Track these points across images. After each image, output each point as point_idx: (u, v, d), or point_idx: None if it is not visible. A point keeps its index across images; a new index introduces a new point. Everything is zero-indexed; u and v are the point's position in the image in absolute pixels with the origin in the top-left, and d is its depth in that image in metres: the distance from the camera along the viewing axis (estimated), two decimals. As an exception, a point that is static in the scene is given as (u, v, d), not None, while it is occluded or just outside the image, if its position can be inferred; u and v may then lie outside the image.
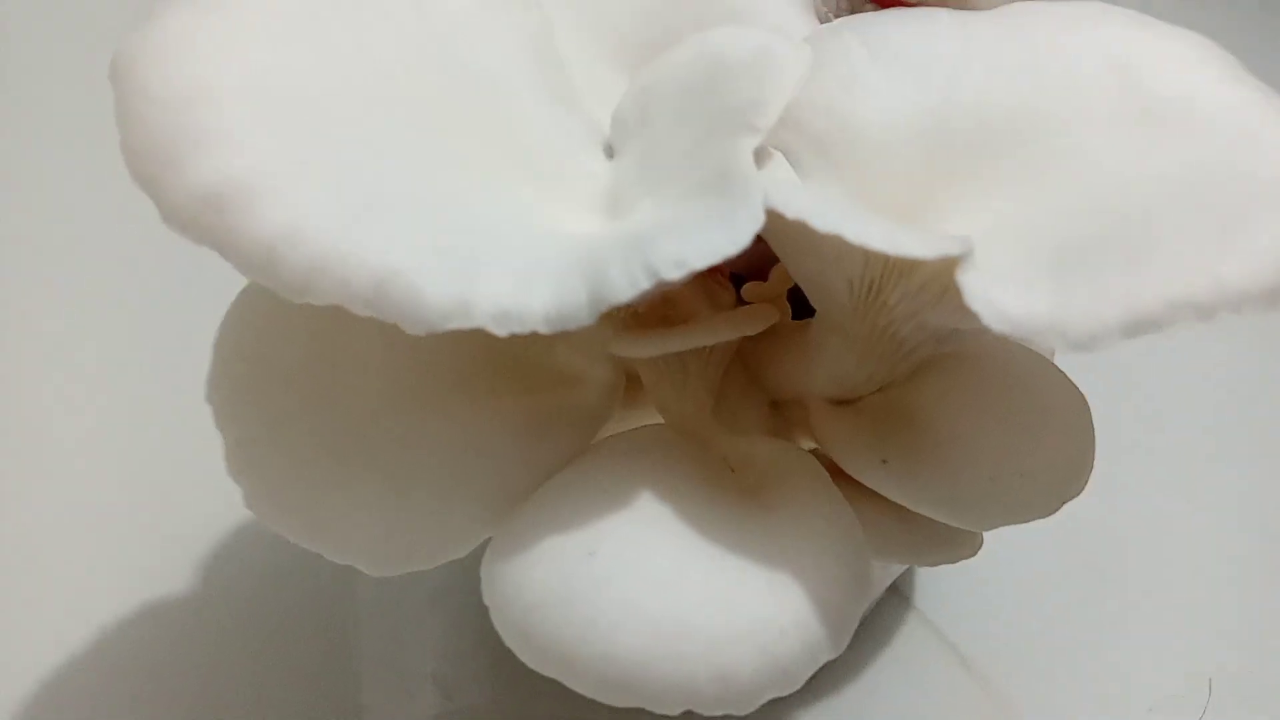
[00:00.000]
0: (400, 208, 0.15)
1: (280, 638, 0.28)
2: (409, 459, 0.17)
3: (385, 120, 0.17)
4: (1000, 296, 0.14)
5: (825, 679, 0.28)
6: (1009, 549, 0.28)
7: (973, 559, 0.20)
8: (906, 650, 0.30)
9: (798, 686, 0.15)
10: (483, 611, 0.16)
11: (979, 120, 0.18)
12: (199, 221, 0.14)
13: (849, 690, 0.29)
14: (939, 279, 0.15)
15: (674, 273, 0.14)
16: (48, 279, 0.34)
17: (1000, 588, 0.31)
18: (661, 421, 0.20)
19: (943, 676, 0.30)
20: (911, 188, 0.19)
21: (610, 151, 0.20)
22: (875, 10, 0.21)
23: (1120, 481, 0.32)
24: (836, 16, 0.22)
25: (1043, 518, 0.18)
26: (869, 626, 0.30)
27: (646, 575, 0.15)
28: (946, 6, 0.21)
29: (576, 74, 0.21)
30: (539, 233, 0.16)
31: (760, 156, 0.18)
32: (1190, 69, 0.18)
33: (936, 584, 0.31)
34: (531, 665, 0.15)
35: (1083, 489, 0.18)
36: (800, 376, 0.20)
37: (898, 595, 0.30)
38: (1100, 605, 0.31)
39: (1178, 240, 0.14)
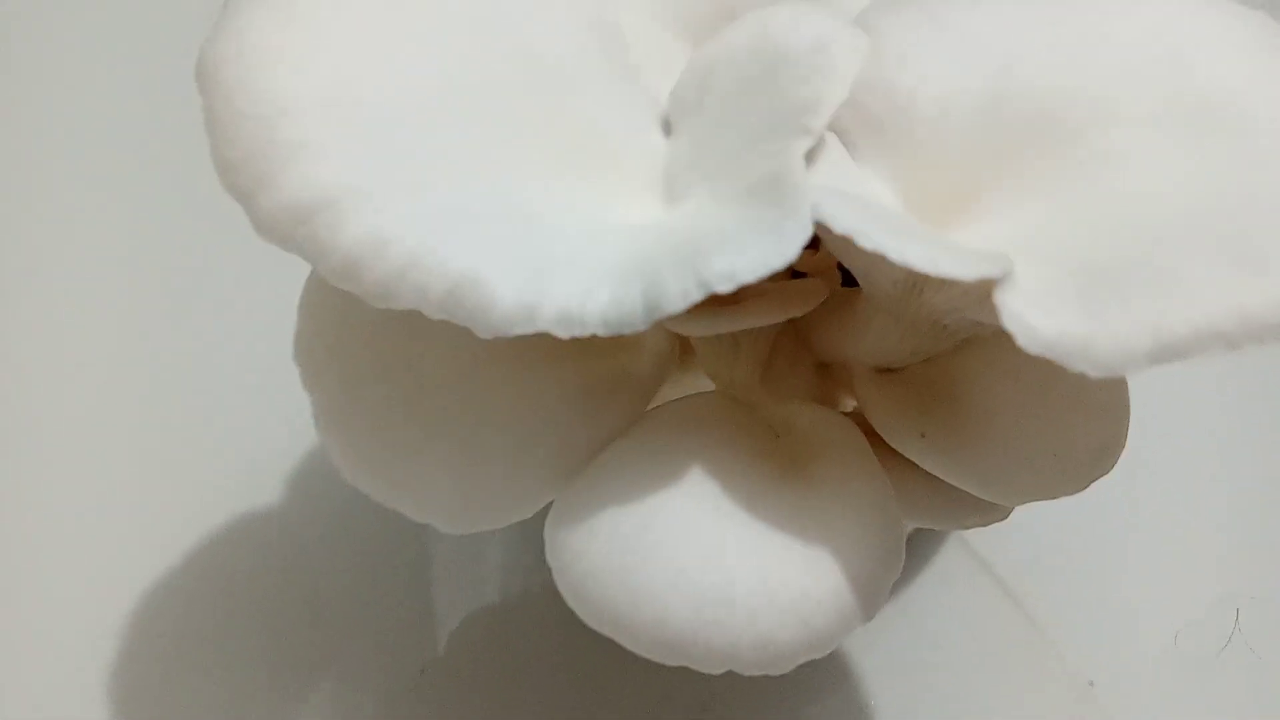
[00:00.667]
0: (475, 214, 0.16)
1: (366, 545, 0.31)
2: (480, 424, 0.19)
3: (460, 120, 0.17)
4: (1034, 319, 0.15)
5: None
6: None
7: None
8: (943, 567, 0.31)
9: (831, 650, 0.17)
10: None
11: (1029, 109, 0.19)
12: (289, 235, 0.15)
13: (887, 606, 0.31)
14: (979, 288, 0.16)
15: (725, 286, 0.15)
16: (60, 265, 0.35)
17: (1034, 511, 0.33)
18: (712, 388, 0.21)
19: (978, 594, 0.31)
20: (961, 174, 0.19)
21: (668, 126, 0.20)
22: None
23: (1153, 411, 0.33)
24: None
25: (1071, 494, 0.19)
26: (908, 545, 0.32)
27: (695, 549, 0.17)
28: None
29: (638, 40, 0.21)
30: (603, 233, 0.17)
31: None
32: (1246, 62, 0.18)
33: (976, 509, 0.32)
34: (589, 624, 0.17)
35: (1113, 468, 0.19)
36: (847, 344, 0.21)
37: (938, 518, 0.32)
38: (1131, 531, 0.32)
39: (1206, 268, 0.15)
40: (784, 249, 0.15)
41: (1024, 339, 0.15)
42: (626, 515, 0.17)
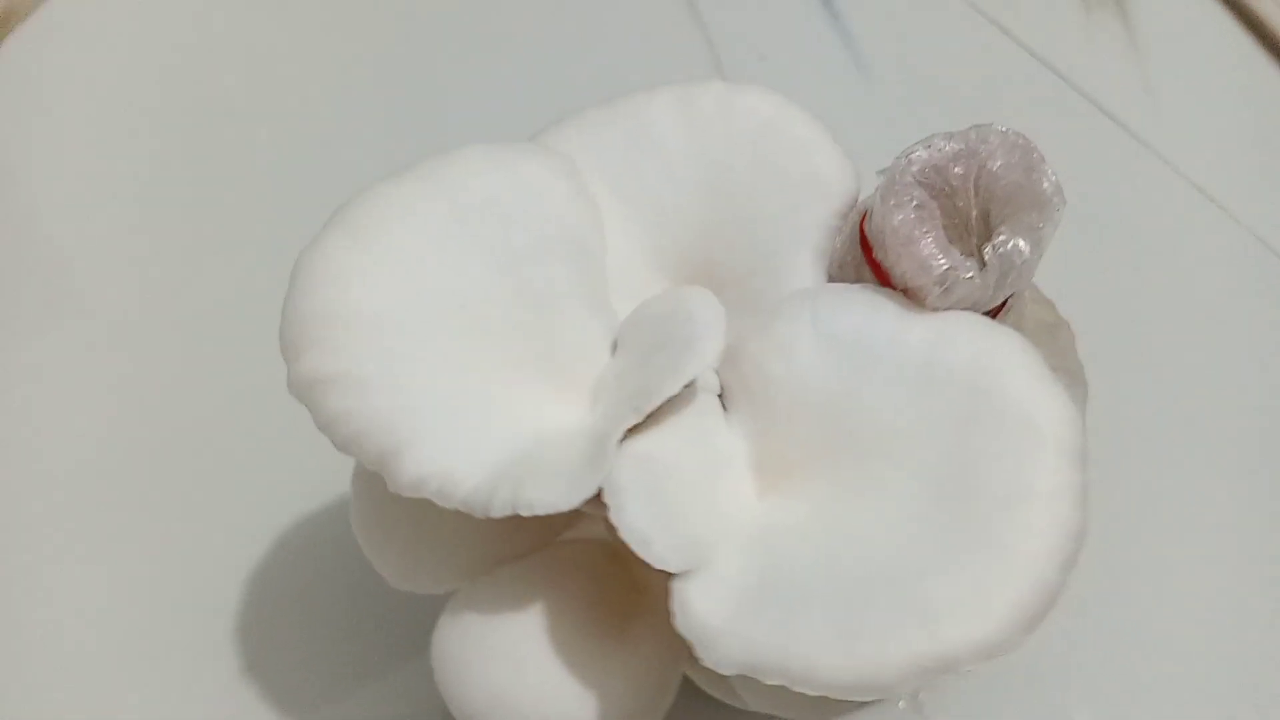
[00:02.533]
0: (421, 408, 0.24)
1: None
2: (426, 524, 0.27)
3: (452, 331, 0.25)
4: (694, 603, 0.20)
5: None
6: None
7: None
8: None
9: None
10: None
11: (851, 422, 0.23)
12: (301, 395, 0.24)
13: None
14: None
15: (526, 512, 0.22)
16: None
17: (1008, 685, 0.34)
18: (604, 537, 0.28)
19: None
20: (795, 453, 0.24)
21: (614, 348, 0.27)
22: (869, 279, 0.26)
23: (1125, 539, 0.34)
24: (841, 270, 0.26)
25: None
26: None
27: (507, 669, 0.24)
28: (909, 289, 0.25)
29: (618, 268, 0.27)
30: (506, 436, 0.24)
31: (697, 389, 0.25)
32: (1026, 457, 0.21)
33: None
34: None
35: (863, 705, 0.24)
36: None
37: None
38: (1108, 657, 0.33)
39: (818, 622, 0.19)
40: (572, 497, 0.22)
41: (679, 617, 0.20)
42: (478, 624, 0.25)
